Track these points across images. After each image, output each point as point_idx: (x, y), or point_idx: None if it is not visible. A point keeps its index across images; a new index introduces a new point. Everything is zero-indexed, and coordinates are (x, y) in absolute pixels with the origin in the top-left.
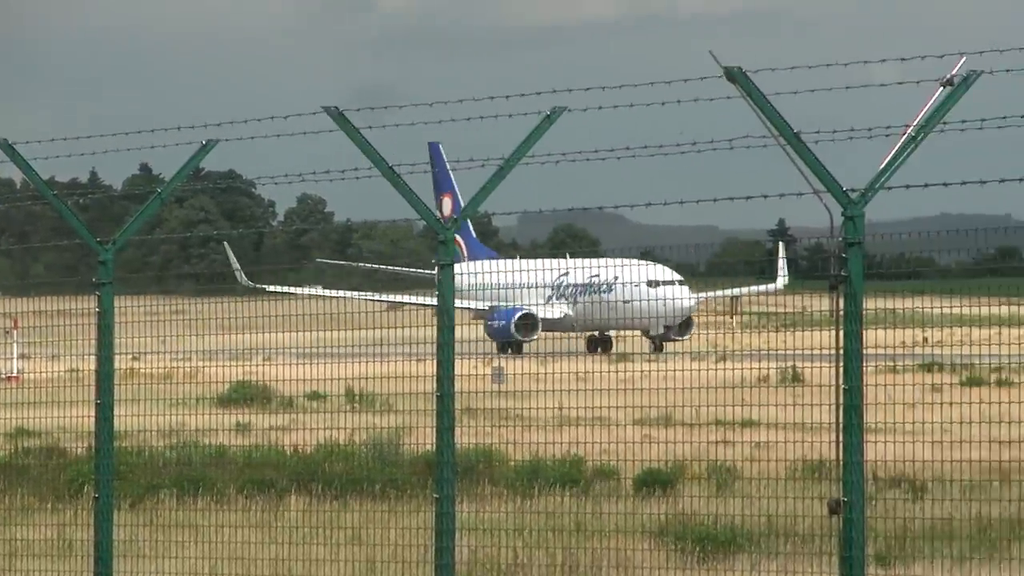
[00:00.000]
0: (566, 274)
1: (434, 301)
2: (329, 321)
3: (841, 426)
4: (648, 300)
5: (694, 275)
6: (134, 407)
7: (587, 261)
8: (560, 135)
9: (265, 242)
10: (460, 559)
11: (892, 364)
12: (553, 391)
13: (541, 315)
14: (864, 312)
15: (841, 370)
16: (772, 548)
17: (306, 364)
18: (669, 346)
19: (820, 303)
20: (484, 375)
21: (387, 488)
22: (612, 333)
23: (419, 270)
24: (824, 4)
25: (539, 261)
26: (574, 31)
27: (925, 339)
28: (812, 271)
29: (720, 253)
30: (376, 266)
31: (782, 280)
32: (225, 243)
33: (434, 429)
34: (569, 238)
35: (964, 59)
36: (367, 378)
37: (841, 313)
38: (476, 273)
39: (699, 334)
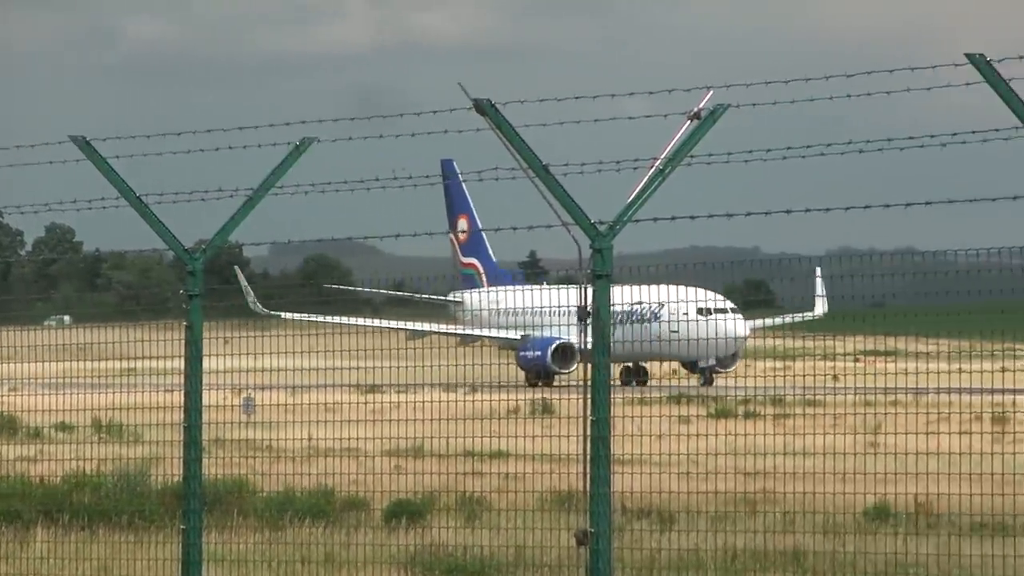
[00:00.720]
0: None
1: (453, 328)
2: (77, 351)
3: (589, 457)
4: (700, 330)
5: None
6: None
7: (627, 287)
8: (312, 165)
9: (12, 272)
10: None
11: (641, 395)
12: (303, 422)
13: (578, 345)
14: (612, 344)
15: (589, 401)
16: None
17: (53, 394)
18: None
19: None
20: (234, 406)
21: (135, 519)
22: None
23: (435, 296)
24: (575, 38)
25: (572, 287)
26: (327, 60)
27: (674, 371)
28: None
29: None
30: (399, 293)
31: (822, 306)
32: (236, 267)
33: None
34: (321, 268)
35: (711, 93)
36: (115, 409)
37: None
38: (499, 290)
39: (456, 365)
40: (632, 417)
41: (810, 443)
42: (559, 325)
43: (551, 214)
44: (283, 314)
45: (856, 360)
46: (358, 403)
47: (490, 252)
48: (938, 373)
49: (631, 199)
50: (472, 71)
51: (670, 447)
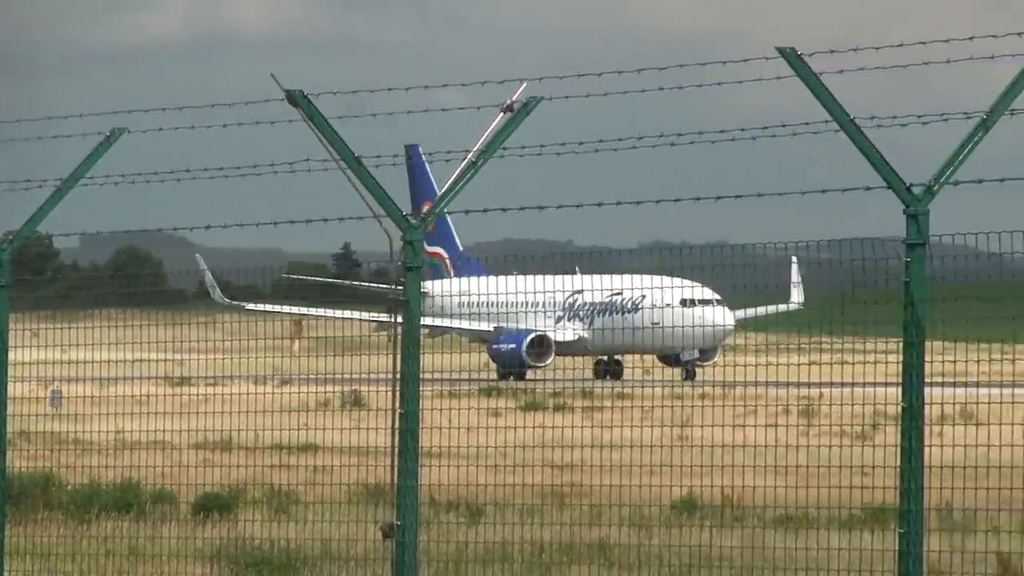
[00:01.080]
0: (580, 292)
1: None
2: None
3: (397, 450)
4: (684, 321)
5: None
6: None
7: (605, 278)
8: (124, 156)
9: None
10: None
11: (451, 388)
12: (111, 414)
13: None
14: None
15: (398, 394)
16: (328, 572)
17: None
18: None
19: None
20: (41, 398)
21: None
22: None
23: (381, 285)
24: (390, 30)
25: (545, 278)
26: (138, 53)
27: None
28: (383, 297)
29: (284, 276)
30: (345, 282)
31: (798, 296)
32: (198, 256)
33: None
34: (131, 260)
35: (524, 85)
36: None
37: (399, 337)
38: (470, 280)
39: (263, 358)
40: (442, 410)
41: (619, 436)
42: (536, 312)
43: (362, 206)
44: (246, 304)
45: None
46: (167, 395)
47: (457, 241)
48: (746, 366)
49: (443, 191)
50: (286, 62)
51: (477, 440)
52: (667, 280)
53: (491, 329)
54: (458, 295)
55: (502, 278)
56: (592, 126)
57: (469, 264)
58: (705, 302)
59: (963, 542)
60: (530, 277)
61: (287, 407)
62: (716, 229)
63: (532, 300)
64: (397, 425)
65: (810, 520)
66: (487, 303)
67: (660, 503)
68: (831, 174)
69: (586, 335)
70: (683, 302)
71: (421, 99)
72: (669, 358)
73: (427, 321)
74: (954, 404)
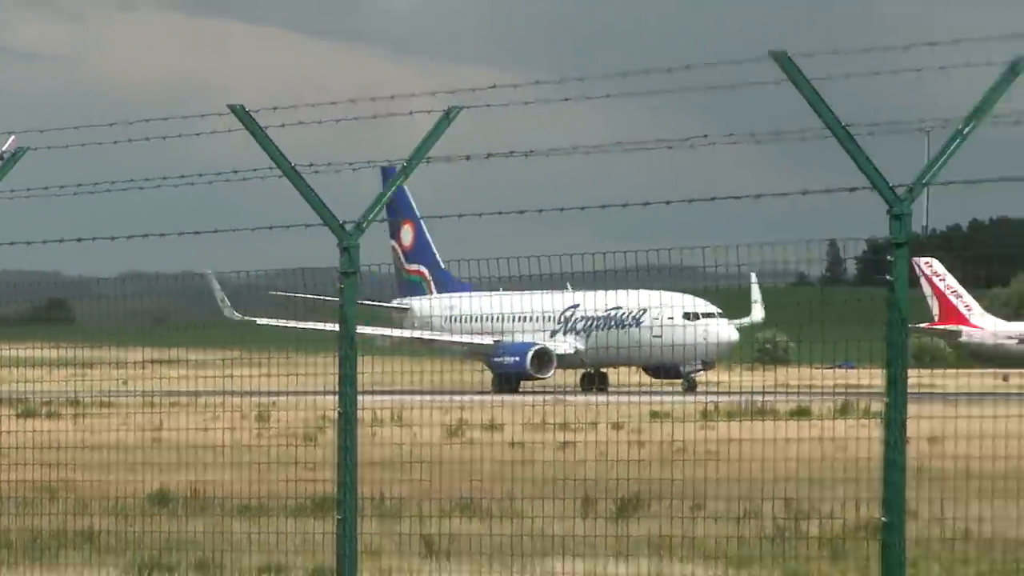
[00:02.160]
0: (576, 306)
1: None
2: None
3: None
4: (687, 334)
5: None
6: None
7: (600, 292)
8: None
9: None
10: None
11: None
12: None
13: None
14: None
15: None
16: None
17: None
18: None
19: None
20: None
21: None
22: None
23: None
24: None
25: (538, 293)
26: None
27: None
28: None
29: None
30: (315, 297)
31: (759, 312)
32: (209, 271)
33: None
34: None
35: (14, 137)
36: None
37: None
38: (457, 296)
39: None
40: None
41: (104, 438)
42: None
43: None
44: (257, 320)
45: (144, 368)
46: None
47: (439, 258)
48: (210, 377)
49: None
50: None
51: None
52: (667, 295)
53: (490, 343)
54: (457, 310)
55: (487, 294)
56: (80, 171)
57: (450, 281)
58: (708, 315)
59: (392, 526)
60: (527, 293)
61: None
62: (185, 260)
63: (528, 314)
64: None
65: (265, 508)
66: (480, 317)
67: (137, 496)
68: (273, 214)
69: (582, 347)
70: (686, 315)
71: None
72: (659, 370)
73: (419, 335)
74: (384, 409)
